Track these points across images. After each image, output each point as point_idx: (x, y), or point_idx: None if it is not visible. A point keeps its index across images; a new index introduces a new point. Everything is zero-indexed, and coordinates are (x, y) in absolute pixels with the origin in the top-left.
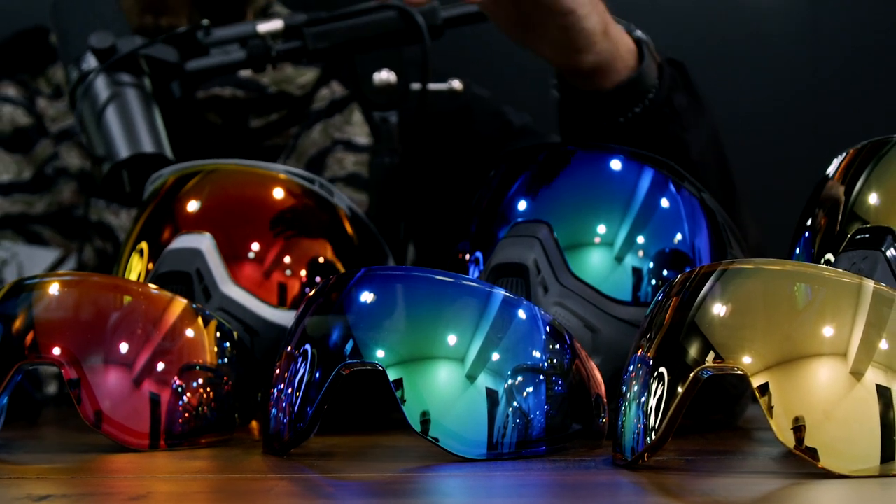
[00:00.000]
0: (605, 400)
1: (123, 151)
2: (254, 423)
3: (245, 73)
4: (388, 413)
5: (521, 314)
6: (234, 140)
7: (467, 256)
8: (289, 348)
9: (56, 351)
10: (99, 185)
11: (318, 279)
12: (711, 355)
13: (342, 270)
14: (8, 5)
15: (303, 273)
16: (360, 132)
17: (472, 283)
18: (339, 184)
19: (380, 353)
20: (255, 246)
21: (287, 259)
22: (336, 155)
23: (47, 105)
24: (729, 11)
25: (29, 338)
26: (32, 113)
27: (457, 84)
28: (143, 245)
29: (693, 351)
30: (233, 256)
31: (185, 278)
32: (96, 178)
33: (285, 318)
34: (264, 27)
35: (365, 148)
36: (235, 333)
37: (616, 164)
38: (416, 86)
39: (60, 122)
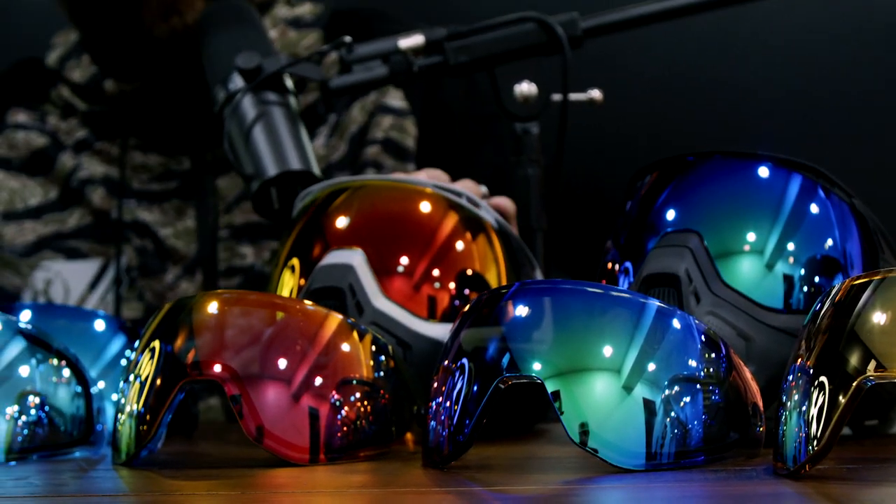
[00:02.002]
0: (761, 409)
1: (271, 169)
2: (409, 436)
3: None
4: (532, 424)
5: (676, 324)
6: None
7: (616, 267)
8: (446, 362)
9: (217, 368)
10: (250, 201)
11: (466, 292)
12: (873, 364)
13: (490, 283)
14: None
15: (451, 286)
16: (395, 96)
17: (625, 294)
18: (376, 146)
19: (536, 366)
20: (405, 260)
21: (436, 272)
22: (375, 119)
23: (58, 121)
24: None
25: (190, 356)
26: (45, 132)
27: (596, 94)
28: (295, 261)
29: (854, 360)
30: (383, 271)
31: (338, 294)
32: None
33: (437, 331)
34: (405, 43)
35: (401, 111)
36: (390, 347)
37: (764, 172)
38: (556, 97)
39: (74, 134)
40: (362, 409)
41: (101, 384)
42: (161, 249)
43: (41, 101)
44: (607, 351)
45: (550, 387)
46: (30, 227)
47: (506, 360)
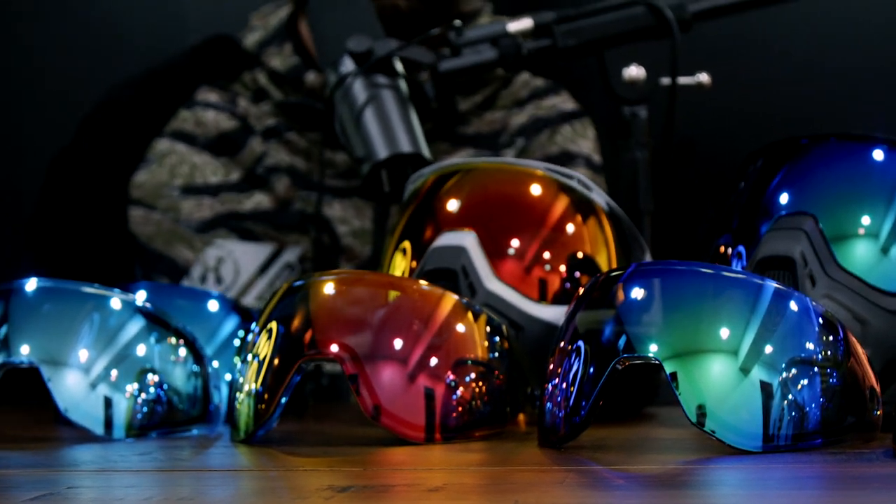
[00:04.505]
0: (879, 392)
1: (382, 152)
2: (521, 417)
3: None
4: (641, 407)
5: (793, 306)
6: (444, 125)
7: (729, 250)
8: (561, 344)
9: (334, 348)
10: (359, 185)
11: (577, 275)
12: None
13: (600, 266)
14: (197, 13)
15: (562, 269)
16: (593, 149)
17: (741, 275)
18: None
19: (653, 348)
20: (516, 242)
21: (547, 255)
22: (576, 168)
23: (249, 105)
24: None
25: (308, 336)
26: (236, 116)
27: (705, 77)
28: (406, 244)
29: None
30: (495, 253)
31: (451, 275)
32: (358, 175)
33: (548, 313)
34: (514, 26)
35: (600, 168)
36: (504, 327)
37: (879, 154)
38: (665, 80)
39: (265, 120)
40: (477, 390)
41: (215, 363)
42: (337, 246)
43: (231, 81)
44: (724, 332)
45: (668, 368)
46: (207, 203)
47: (622, 341)
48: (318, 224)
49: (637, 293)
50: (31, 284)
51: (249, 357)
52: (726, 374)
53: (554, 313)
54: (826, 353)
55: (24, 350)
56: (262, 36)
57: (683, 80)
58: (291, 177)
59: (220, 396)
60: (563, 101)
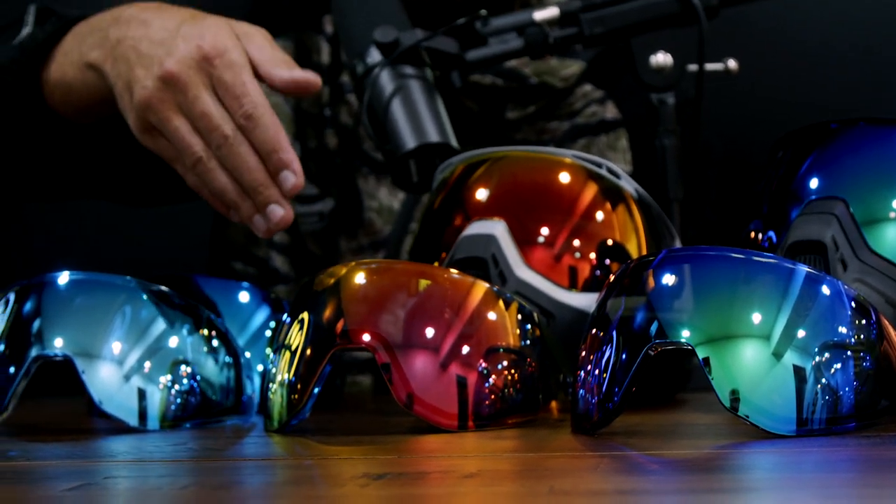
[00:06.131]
0: None
1: (410, 142)
2: (553, 404)
3: (509, 62)
4: (673, 393)
5: (825, 290)
6: (487, 129)
7: (759, 236)
8: (594, 331)
9: (366, 337)
10: (389, 175)
11: (607, 262)
12: None
13: (630, 253)
14: None
15: (592, 256)
16: (621, 160)
17: (773, 260)
18: None
19: (685, 333)
20: (546, 230)
21: (576, 242)
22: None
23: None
24: None
25: (339, 325)
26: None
27: (732, 64)
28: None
29: None
30: (525, 241)
31: (481, 264)
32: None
33: (579, 300)
34: (541, 15)
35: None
36: (536, 315)
37: None
38: (692, 67)
39: (342, 76)
40: (509, 378)
41: (247, 354)
42: (359, 217)
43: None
44: (756, 317)
45: (701, 353)
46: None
47: (654, 327)
48: (350, 191)
49: (668, 279)
50: (63, 278)
51: (282, 347)
52: (759, 358)
53: (585, 300)
54: (859, 337)
55: (58, 343)
56: None
57: (711, 66)
58: (340, 136)
59: (253, 387)
60: (606, 110)
